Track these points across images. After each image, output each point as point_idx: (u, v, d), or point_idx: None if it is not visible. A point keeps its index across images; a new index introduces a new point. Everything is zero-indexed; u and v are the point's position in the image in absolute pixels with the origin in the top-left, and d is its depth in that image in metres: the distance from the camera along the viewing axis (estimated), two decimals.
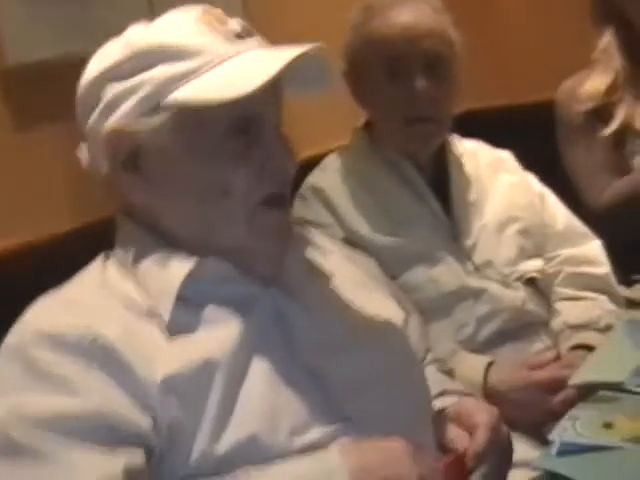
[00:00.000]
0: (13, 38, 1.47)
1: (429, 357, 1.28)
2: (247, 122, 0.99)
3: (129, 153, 1.00)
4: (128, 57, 0.99)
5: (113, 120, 0.99)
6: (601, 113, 1.84)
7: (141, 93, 0.98)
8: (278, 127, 1.04)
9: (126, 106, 0.99)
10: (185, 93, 0.97)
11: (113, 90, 0.99)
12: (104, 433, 0.89)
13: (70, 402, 0.89)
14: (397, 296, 1.27)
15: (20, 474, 0.87)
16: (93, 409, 0.89)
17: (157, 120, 0.98)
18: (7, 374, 0.93)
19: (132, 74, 0.98)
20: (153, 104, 0.98)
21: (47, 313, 0.97)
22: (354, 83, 1.60)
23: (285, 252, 1.07)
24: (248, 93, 0.94)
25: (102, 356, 0.92)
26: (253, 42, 1.02)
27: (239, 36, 1.01)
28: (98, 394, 0.90)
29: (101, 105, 1.00)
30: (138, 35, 1.01)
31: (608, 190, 1.80)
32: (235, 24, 1.02)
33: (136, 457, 0.90)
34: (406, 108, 1.54)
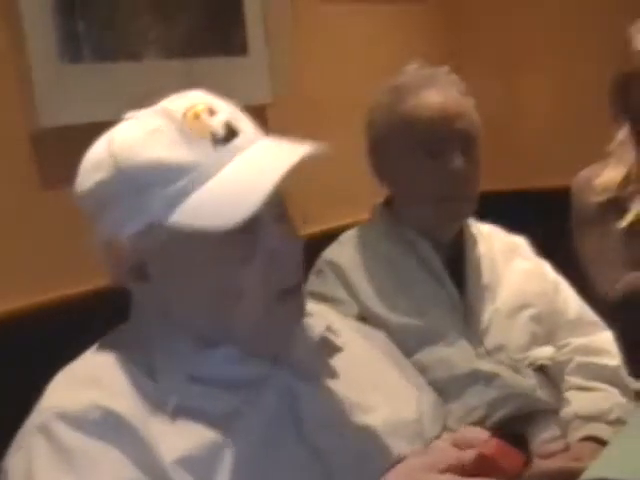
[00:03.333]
0: (46, 102, 1.51)
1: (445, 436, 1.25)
2: (248, 224, 0.96)
3: (134, 266, 1.00)
4: (117, 177, 0.98)
5: (112, 237, 1.00)
6: (615, 205, 1.86)
7: (137, 216, 0.98)
8: (280, 213, 1.02)
9: (124, 228, 0.99)
10: (180, 218, 0.96)
11: (110, 211, 0.99)
12: None
13: None
14: (408, 373, 1.27)
15: None
16: None
17: (153, 238, 0.98)
18: (35, 455, 0.93)
19: (122, 194, 0.98)
20: (150, 225, 0.98)
21: (68, 392, 0.98)
22: (379, 161, 1.62)
23: (295, 330, 1.07)
24: (245, 219, 0.93)
25: (124, 435, 0.93)
26: (243, 138, 1.00)
27: (228, 132, 0.99)
28: (121, 473, 0.91)
29: (99, 222, 1.01)
30: (121, 150, 0.99)
31: (620, 283, 1.81)
32: (225, 114, 1.01)
33: None
34: (441, 187, 1.55)
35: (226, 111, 1.02)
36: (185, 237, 0.97)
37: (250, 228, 0.97)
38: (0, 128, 1.48)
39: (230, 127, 1.00)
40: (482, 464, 0.88)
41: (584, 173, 1.95)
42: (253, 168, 0.98)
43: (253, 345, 1.03)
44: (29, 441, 0.95)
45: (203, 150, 0.98)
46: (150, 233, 0.98)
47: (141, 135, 0.99)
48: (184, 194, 0.96)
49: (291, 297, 1.02)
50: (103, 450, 0.92)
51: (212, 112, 1.00)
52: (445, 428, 1.26)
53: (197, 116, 1.00)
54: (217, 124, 1.00)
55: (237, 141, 1.00)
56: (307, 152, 0.97)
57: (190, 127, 0.99)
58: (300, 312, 1.06)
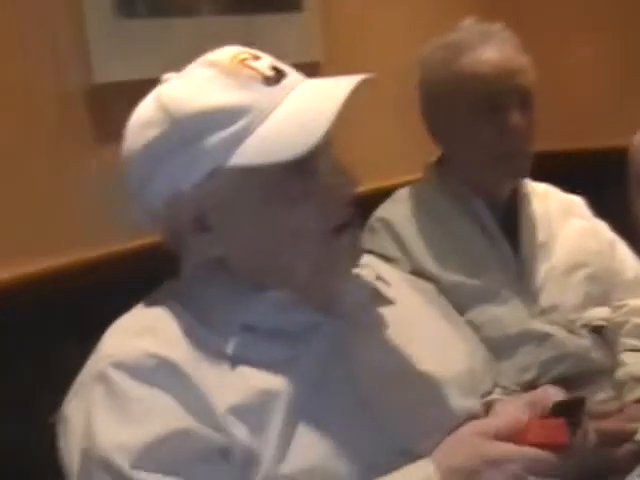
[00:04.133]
0: (100, 57, 1.52)
1: (497, 391, 1.24)
2: (302, 162, 0.97)
3: (195, 217, 1.01)
4: (173, 129, 0.98)
5: (170, 190, 1.00)
6: None
7: (197, 163, 0.98)
8: (329, 151, 1.02)
9: (185, 177, 0.99)
10: (244, 157, 0.96)
11: (167, 164, 0.99)
12: (200, 448, 0.92)
13: (157, 428, 0.92)
14: (459, 326, 1.27)
15: None
16: (180, 428, 0.92)
17: (216, 184, 0.98)
18: (94, 403, 0.95)
19: (182, 145, 0.98)
20: (209, 170, 0.98)
21: (123, 341, 1.00)
22: (434, 118, 1.60)
23: (347, 280, 1.07)
24: (309, 148, 0.94)
25: (179, 383, 0.95)
26: (292, 77, 1.01)
27: (277, 73, 1.00)
28: (175, 420, 0.93)
29: (155, 179, 1.01)
30: (174, 103, 0.99)
31: None
32: (268, 59, 1.02)
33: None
34: (500, 144, 1.54)
35: (268, 56, 1.03)
36: (247, 178, 0.97)
37: (308, 163, 0.98)
38: (55, 84, 1.49)
39: (277, 69, 1.01)
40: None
41: None
42: (311, 100, 0.98)
43: (312, 286, 1.03)
44: (88, 389, 0.97)
45: (257, 90, 0.98)
46: (212, 180, 0.98)
47: (191, 86, 1.00)
48: (244, 134, 0.96)
49: (347, 231, 1.02)
50: (158, 397, 0.93)
51: (256, 58, 1.02)
52: (496, 385, 1.26)
53: (243, 61, 1.00)
54: (264, 67, 1.00)
55: (288, 79, 1.01)
56: (361, 79, 0.97)
57: (239, 72, 0.99)
58: (357, 246, 1.06)
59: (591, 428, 1.27)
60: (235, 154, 0.96)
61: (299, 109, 0.97)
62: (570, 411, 0.95)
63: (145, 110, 1.02)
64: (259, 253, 1.02)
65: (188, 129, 0.97)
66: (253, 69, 1.00)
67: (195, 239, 1.03)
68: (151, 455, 0.90)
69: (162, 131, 0.99)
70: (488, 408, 1.11)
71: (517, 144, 1.54)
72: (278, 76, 1.00)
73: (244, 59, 1.01)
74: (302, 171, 0.98)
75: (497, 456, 0.92)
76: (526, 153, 1.57)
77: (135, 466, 0.90)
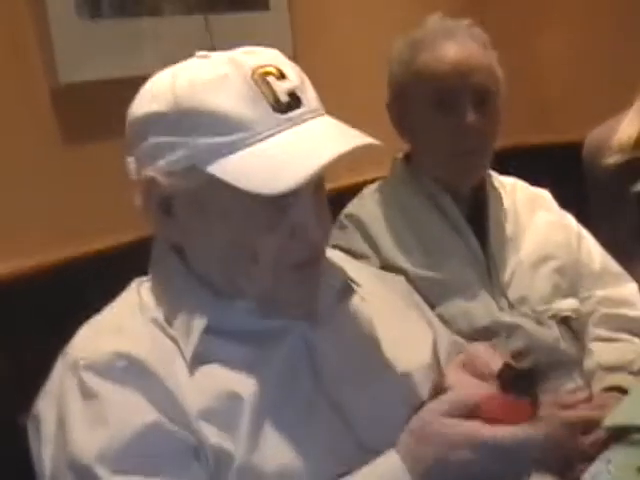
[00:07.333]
0: (66, 58, 1.52)
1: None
2: (279, 197, 0.95)
3: (163, 198, 1.01)
4: (173, 112, 0.97)
5: (150, 168, 1.00)
6: (632, 168, 1.78)
7: (180, 153, 0.97)
8: (317, 185, 1.01)
9: (164, 160, 0.98)
10: (222, 170, 0.95)
11: (154, 140, 0.99)
12: (175, 446, 0.94)
13: (132, 427, 0.93)
14: (426, 316, 1.27)
15: None
16: (155, 421, 0.93)
17: (191, 181, 0.98)
18: (68, 400, 0.96)
19: (174, 131, 0.97)
20: (189, 166, 0.97)
21: (93, 341, 1.00)
22: (398, 115, 1.62)
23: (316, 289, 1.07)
24: (282, 192, 0.93)
25: (150, 383, 0.96)
26: (302, 110, 0.99)
27: (291, 100, 0.98)
28: (152, 415, 0.94)
29: (142, 148, 1.01)
30: (184, 90, 0.98)
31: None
32: (291, 83, 0.99)
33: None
34: (454, 141, 1.55)
35: (294, 79, 1.00)
36: (218, 189, 0.96)
37: (282, 198, 0.96)
38: (21, 84, 1.49)
39: (294, 96, 0.99)
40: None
41: (596, 134, 1.87)
42: (303, 146, 0.96)
43: (262, 307, 1.03)
44: (60, 392, 0.97)
45: (262, 112, 0.96)
46: (188, 175, 0.98)
47: (207, 78, 0.98)
48: (232, 149, 0.95)
49: (305, 269, 1.02)
50: (131, 396, 0.94)
51: (281, 77, 0.99)
52: None
53: (266, 76, 0.98)
54: (282, 90, 0.98)
55: (297, 112, 0.98)
56: (359, 144, 0.97)
57: (256, 85, 0.97)
58: (312, 284, 1.05)
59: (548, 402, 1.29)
60: (217, 163, 0.96)
61: (290, 150, 0.96)
62: (523, 382, 0.95)
63: (160, 82, 1.01)
64: (212, 260, 1.02)
65: (187, 120, 0.97)
66: (270, 88, 0.97)
67: (160, 220, 1.03)
68: (130, 456, 0.91)
69: (164, 110, 0.98)
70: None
71: (471, 142, 1.55)
72: (290, 105, 0.98)
73: (267, 73, 0.98)
74: (274, 203, 0.97)
75: (460, 437, 0.92)
76: (481, 151, 1.58)
77: (116, 471, 0.91)
